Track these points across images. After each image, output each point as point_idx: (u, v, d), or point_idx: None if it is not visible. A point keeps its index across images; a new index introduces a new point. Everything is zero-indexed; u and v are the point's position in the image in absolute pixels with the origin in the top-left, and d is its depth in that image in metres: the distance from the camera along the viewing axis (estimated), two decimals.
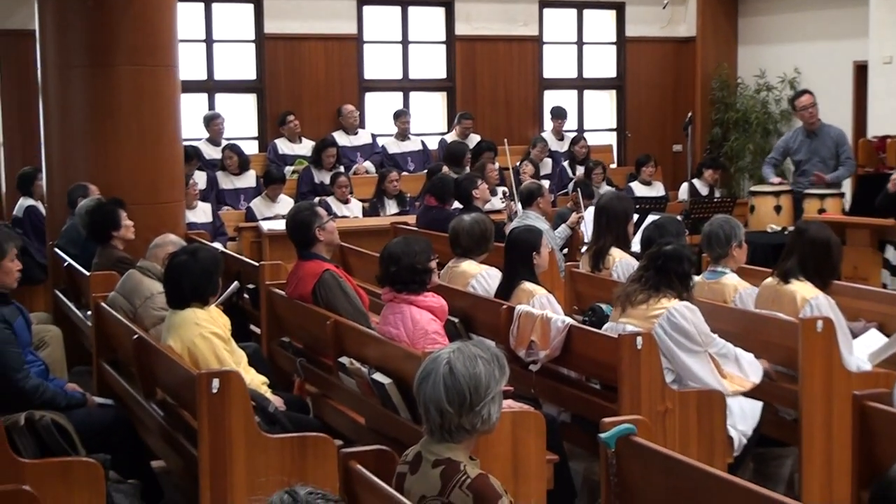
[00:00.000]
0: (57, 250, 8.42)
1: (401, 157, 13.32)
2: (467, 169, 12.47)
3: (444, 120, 14.31)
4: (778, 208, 10.56)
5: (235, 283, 7.20)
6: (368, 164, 13.20)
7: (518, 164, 12.64)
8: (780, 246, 6.87)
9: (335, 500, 2.46)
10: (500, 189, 11.80)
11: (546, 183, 11.62)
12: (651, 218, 8.26)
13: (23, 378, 5.15)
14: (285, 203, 11.32)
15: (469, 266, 6.90)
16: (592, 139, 14.39)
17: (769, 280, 6.20)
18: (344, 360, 5.55)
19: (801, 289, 5.94)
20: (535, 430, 4.72)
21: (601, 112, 15.27)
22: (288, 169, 12.54)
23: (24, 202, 10.47)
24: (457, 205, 9.57)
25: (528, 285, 6.17)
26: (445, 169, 11.86)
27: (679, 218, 8.15)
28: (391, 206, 11.98)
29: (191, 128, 11.74)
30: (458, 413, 3.30)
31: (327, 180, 12.11)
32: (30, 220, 10.22)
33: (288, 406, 5.50)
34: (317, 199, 11.18)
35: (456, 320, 6.22)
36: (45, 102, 8.79)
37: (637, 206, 9.62)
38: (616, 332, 5.34)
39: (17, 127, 12.16)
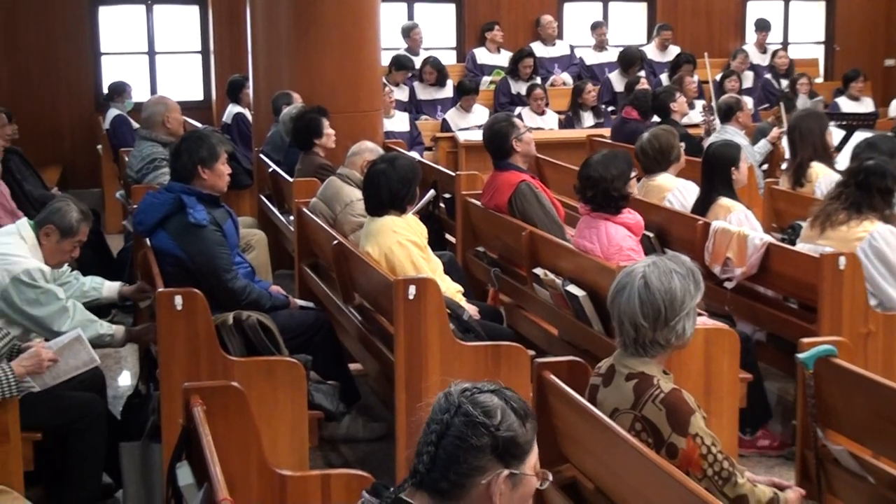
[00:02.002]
0: (262, 156, 8.68)
1: (598, 69, 13.15)
2: (641, 76, 12.28)
3: (643, 31, 14.03)
4: None
5: (432, 191, 7.29)
6: (566, 76, 13.09)
7: (718, 77, 12.32)
8: None
9: (492, 390, 2.43)
10: (699, 103, 11.53)
11: (748, 98, 11.30)
12: (860, 135, 7.95)
13: (231, 279, 5.33)
14: (480, 113, 11.35)
15: (665, 180, 6.81)
16: (798, 52, 13.87)
17: None
18: (538, 271, 5.58)
19: None
20: (729, 348, 4.66)
21: (809, 24, 14.67)
22: (485, 79, 12.54)
23: (233, 109, 10.80)
24: (655, 118, 9.41)
25: (725, 201, 6.05)
26: (643, 82, 11.67)
27: (890, 134, 7.81)
28: (587, 119, 11.87)
29: (390, 38, 11.85)
30: (653, 327, 3.30)
31: (524, 91, 12.07)
32: (237, 127, 10.54)
33: (482, 315, 5.56)
34: (517, 111, 11.19)
35: (651, 235, 6.16)
36: (252, 12, 9.01)
37: (844, 123, 9.27)
38: (816, 252, 5.20)
39: (226, 37, 12.54)
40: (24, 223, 5.37)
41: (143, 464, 4.67)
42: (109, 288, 5.71)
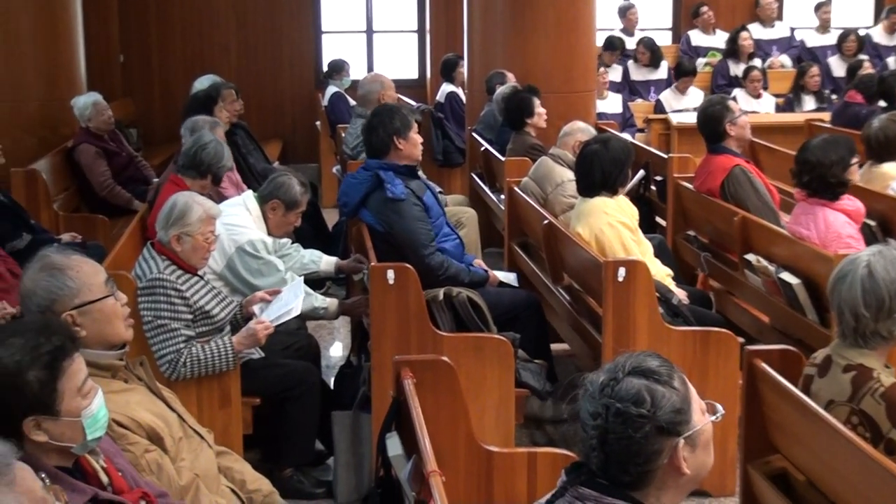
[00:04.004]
0: (474, 135, 8.77)
1: (820, 51, 12.71)
2: (864, 59, 11.74)
3: (870, 13, 13.48)
4: None
5: (641, 171, 7.22)
6: (784, 58, 12.71)
7: None
8: None
9: (629, 372, 2.32)
10: None
11: None
12: None
13: (429, 254, 5.37)
14: (695, 96, 11.16)
15: (890, 167, 6.54)
16: None
17: None
18: (750, 256, 5.47)
19: None
20: None
21: None
22: (700, 61, 12.31)
23: (446, 88, 10.94)
24: (881, 103, 9.05)
25: None
26: (867, 66, 11.22)
27: None
28: (808, 103, 11.50)
29: (604, 18, 11.76)
30: (875, 318, 3.19)
31: (741, 73, 11.79)
32: (450, 105, 10.68)
33: (691, 300, 5.49)
34: (732, 93, 10.94)
35: (872, 223, 5.94)
36: None
37: None
38: None
39: (442, 17, 12.72)
40: (249, 195, 5.60)
41: (354, 433, 4.81)
42: (327, 262, 5.88)
